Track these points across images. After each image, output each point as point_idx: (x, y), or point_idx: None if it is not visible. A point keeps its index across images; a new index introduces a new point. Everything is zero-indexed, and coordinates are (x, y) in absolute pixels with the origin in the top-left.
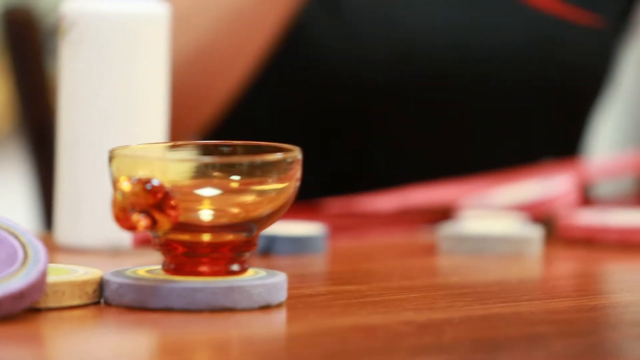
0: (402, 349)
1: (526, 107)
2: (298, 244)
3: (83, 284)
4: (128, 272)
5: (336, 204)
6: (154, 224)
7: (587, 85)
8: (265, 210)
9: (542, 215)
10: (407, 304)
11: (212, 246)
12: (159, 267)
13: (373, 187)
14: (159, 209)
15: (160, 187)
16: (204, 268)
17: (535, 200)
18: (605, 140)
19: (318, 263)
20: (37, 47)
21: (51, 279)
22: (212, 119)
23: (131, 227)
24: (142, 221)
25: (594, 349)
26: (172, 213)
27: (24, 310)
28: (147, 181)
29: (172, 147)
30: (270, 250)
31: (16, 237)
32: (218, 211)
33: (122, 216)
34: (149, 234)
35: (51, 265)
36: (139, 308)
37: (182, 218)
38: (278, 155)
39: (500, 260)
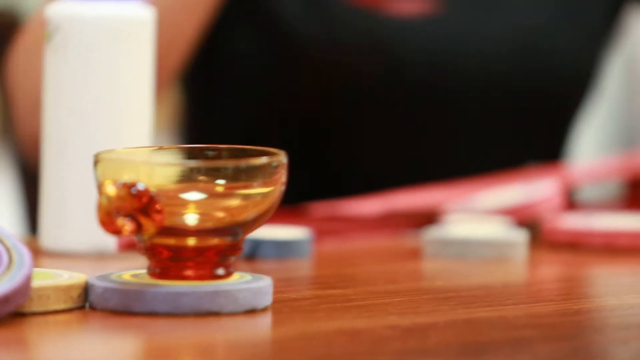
0: (386, 353)
1: (510, 112)
2: (283, 248)
3: (68, 288)
4: (113, 277)
5: (321, 208)
6: (139, 228)
7: (571, 91)
8: (250, 214)
9: (526, 219)
10: (391, 308)
11: (198, 250)
12: (144, 271)
13: (358, 191)
14: (144, 213)
15: (146, 191)
16: (189, 272)
17: (520, 204)
18: (589, 144)
19: (303, 267)
20: None
21: (36, 283)
22: None
23: (116, 231)
24: (127, 225)
25: (578, 353)
26: (158, 217)
27: (8, 314)
28: (133, 185)
29: (158, 151)
30: (256, 254)
31: (1, 241)
32: (203, 215)
33: (108, 220)
34: (134, 238)
35: (36, 269)
36: (124, 312)
37: (168, 222)
38: (263, 159)
39: (485, 264)
